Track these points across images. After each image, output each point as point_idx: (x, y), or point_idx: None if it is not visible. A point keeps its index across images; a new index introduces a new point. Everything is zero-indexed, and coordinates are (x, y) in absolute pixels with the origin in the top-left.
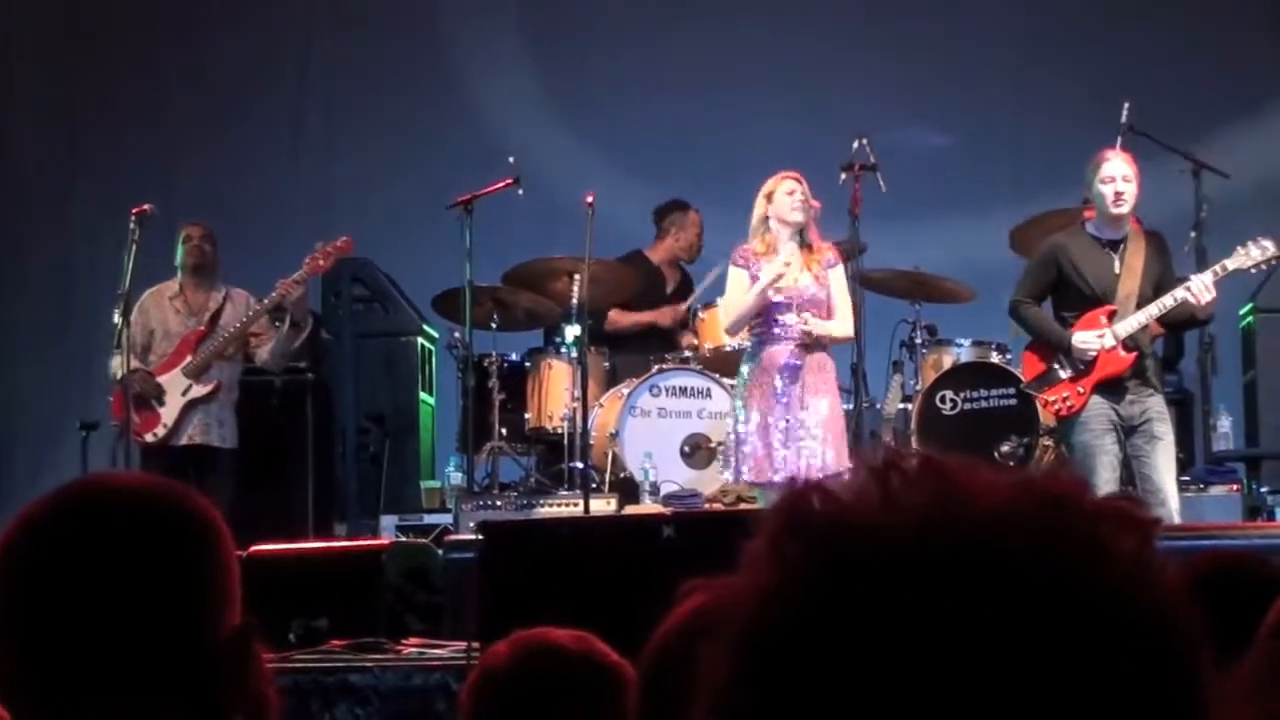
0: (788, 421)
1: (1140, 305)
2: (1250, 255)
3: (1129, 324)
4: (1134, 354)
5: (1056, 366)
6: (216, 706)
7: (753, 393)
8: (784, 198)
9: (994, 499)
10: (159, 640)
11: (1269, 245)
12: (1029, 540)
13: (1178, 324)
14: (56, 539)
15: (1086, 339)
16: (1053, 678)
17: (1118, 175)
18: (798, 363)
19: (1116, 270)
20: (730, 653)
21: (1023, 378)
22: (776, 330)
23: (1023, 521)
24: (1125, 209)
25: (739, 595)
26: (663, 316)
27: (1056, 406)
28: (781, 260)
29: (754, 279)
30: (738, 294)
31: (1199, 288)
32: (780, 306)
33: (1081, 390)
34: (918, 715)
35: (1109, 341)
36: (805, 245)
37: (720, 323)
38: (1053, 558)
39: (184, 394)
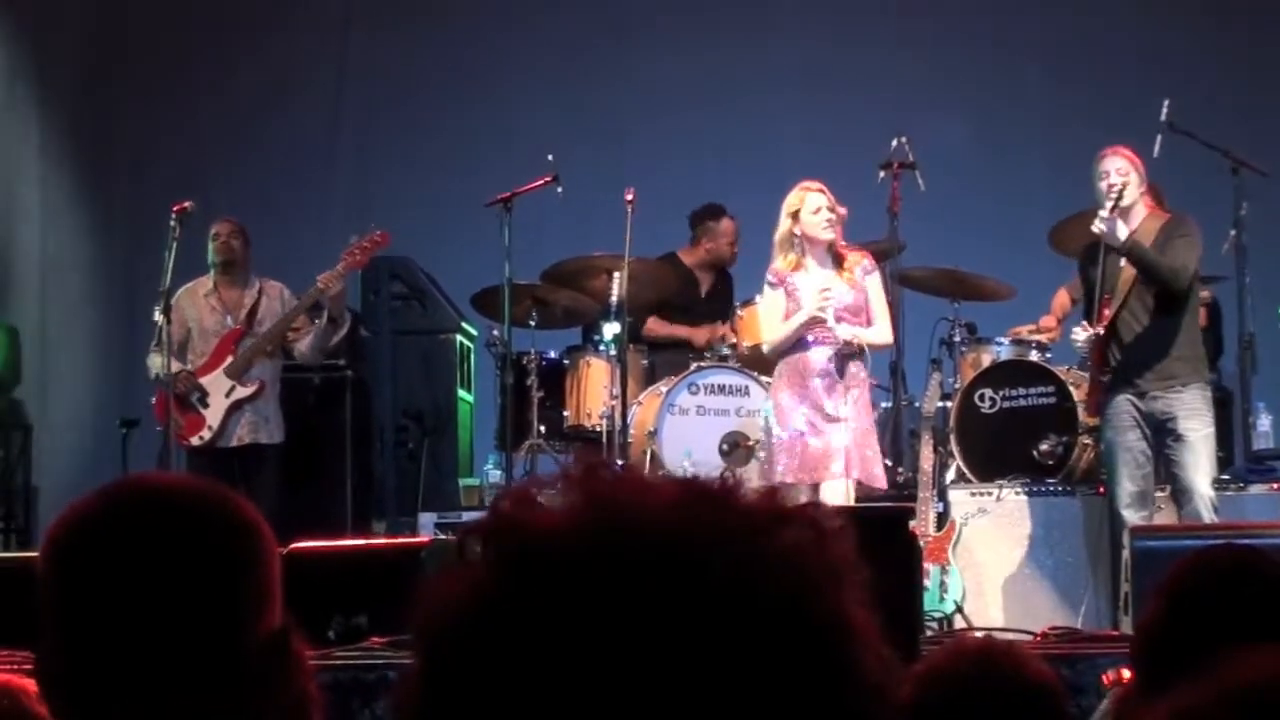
0: (821, 423)
1: (1138, 290)
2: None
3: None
4: (1101, 335)
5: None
6: (254, 706)
7: (785, 394)
8: (811, 217)
9: (658, 504)
10: (199, 639)
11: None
12: (681, 537)
13: (1154, 283)
14: (101, 538)
15: (1076, 334)
16: (697, 677)
17: (1110, 169)
18: (833, 366)
19: (1121, 264)
20: (414, 647)
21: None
22: (812, 336)
23: (677, 525)
24: (1123, 202)
25: (433, 597)
26: (698, 336)
27: (1083, 407)
28: (819, 288)
29: (789, 295)
30: (775, 317)
31: (1096, 227)
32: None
33: (1089, 383)
34: (573, 708)
35: (1079, 333)
36: (835, 255)
37: (751, 332)
38: (699, 556)
39: (228, 395)
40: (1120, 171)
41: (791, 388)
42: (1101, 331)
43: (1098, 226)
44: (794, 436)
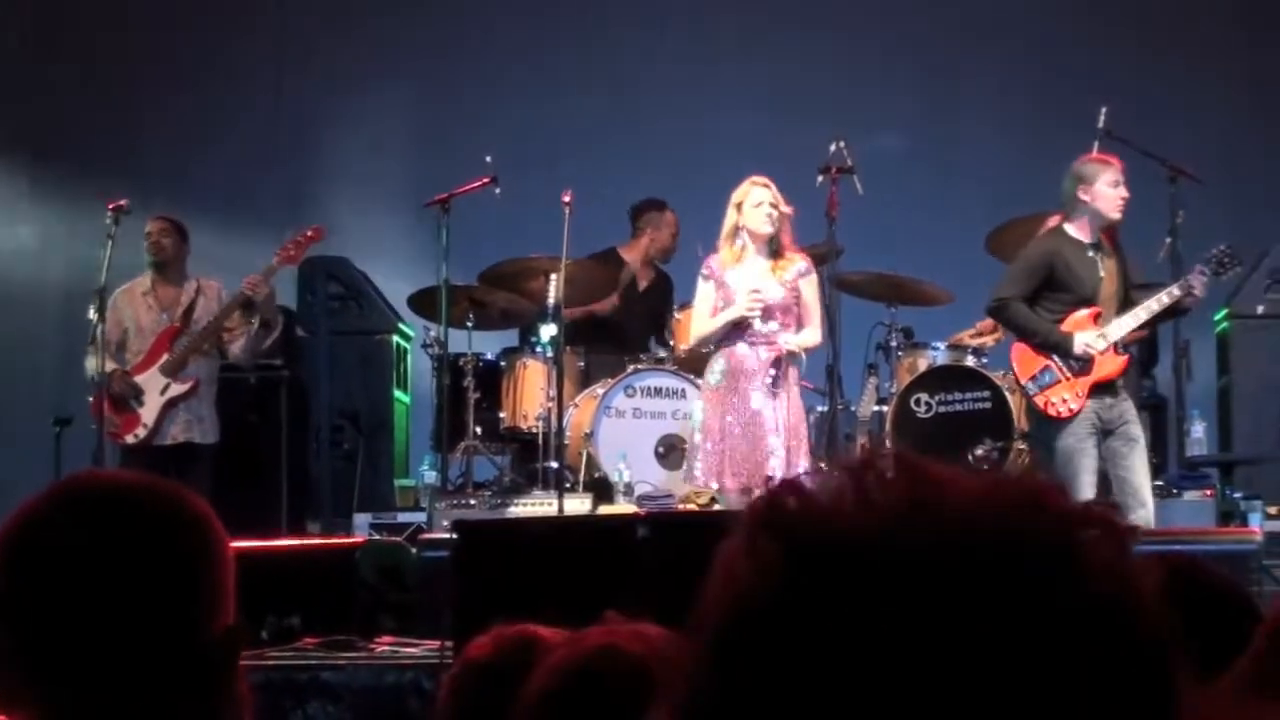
0: (750, 423)
1: (1116, 307)
2: (1219, 264)
3: (1121, 326)
4: (1127, 357)
5: (1052, 366)
6: (208, 703)
7: (716, 395)
8: (752, 210)
9: (968, 499)
10: (154, 637)
11: (1230, 255)
12: (1000, 542)
13: (1161, 318)
14: (55, 535)
15: (1089, 340)
16: (1020, 681)
17: (1123, 181)
18: (764, 366)
19: (1101, 273)
20: (702, 649)
21: (1018, 376)
22: (744, 334)
23: (995, 523)
24: (1122, 215)
25: (712, 593)
26: (601, 308)
27: (1057, 409)
28: (749, 289)
29: (720, 286)
30: (704, 311)
31: (1201, 288)
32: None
33: (1080, 393)
34: (883, 713)
35: (1101, 344)
36: (776, 252)
37: (689, 334)
38: (1023, 560)
39: (163, 393)
40: (1127, 185)
41: (721, 392)
42: (1107, 344)
43: (1203, 288)
44: (722, 439)
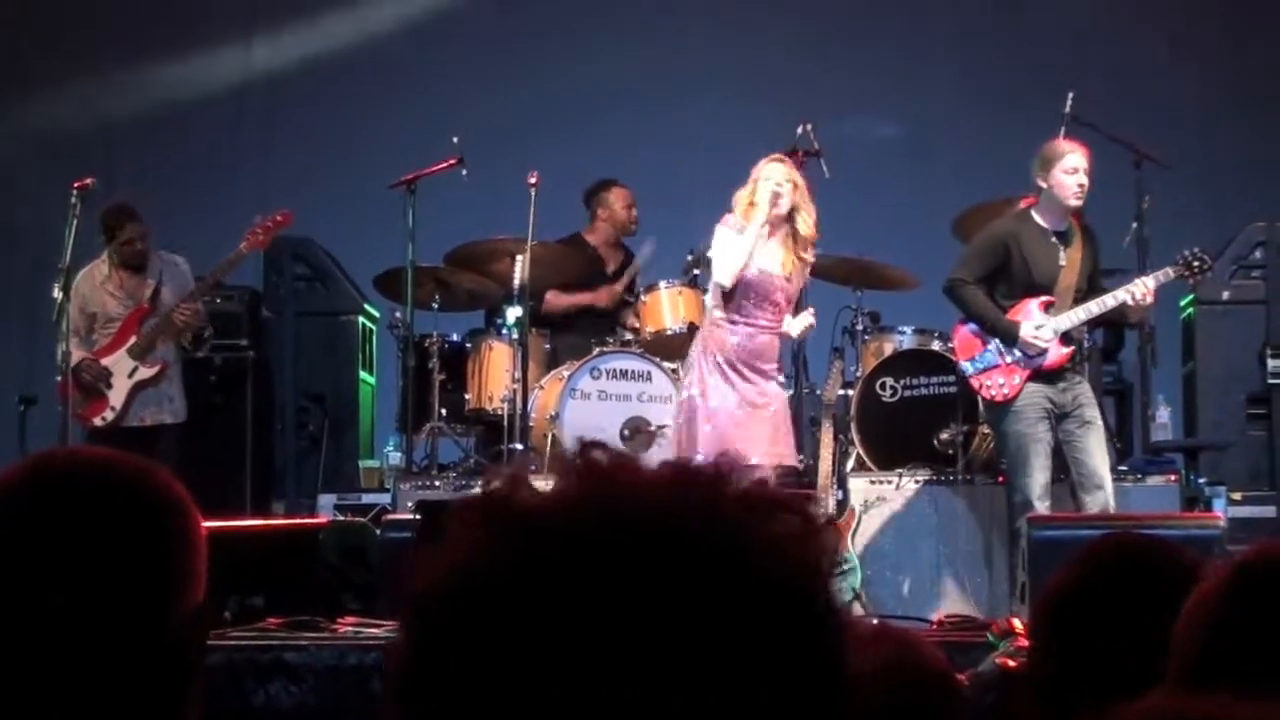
0: (743, 404)
1: (1075, 298)
2: (1189, 265)
3: (1071, 318)
4: (1071, 349)
5: (991, 349)
6: (175, 684)
7: (715, 377)
8: (761, 184)
9: (653, 487)
10: (124, 616)
11: (1206, 258)
12: (672, 524)
13: (1105, 322)
14: (24, 511)
15: (1033, 331)
16: (686, 653)
17: (1082, 168)
18: (754, 347)
19: (1061, 262)
20: (406, 619)
21: (957, 355)
22: (744, 314)
23: (670, 506)
24: (1082, 202)
25: (424, 565)
26: (599, 298)
27: (991, 392)
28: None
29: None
30: (728, 246)
31: (1141, 291)
32: (758, 288)
33: (1018, 380)
34: (566, 684)
35: (1046, 334)
36: (793, 233)
37: (716, 277)
38: (691, 541)
39: (130, 375)
40: (1088, 172)
41: (721, 372)
42: (1053, 335)
43: (1156, 282)
44: (721, 417)
